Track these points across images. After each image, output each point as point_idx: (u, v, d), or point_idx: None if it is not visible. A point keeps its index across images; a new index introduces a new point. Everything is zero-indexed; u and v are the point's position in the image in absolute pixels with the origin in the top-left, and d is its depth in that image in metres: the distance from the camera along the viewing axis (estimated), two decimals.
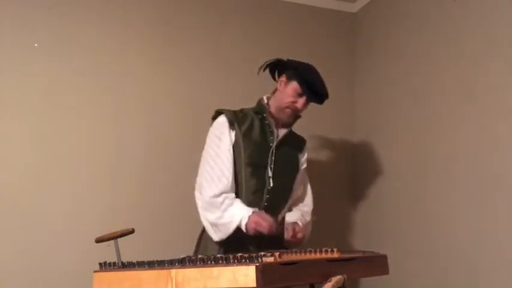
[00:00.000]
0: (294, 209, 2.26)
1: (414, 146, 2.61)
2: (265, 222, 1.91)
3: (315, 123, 3.03)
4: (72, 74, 2.60)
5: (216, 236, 2.02)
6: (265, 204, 2.08)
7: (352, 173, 3.11)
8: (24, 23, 2.54)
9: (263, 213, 1.97)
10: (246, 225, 1.94)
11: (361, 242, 2.98)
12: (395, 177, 2.76)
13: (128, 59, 2.71)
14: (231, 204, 2.00)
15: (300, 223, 2.15)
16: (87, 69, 2.63)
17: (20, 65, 2.52)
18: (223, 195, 2.01)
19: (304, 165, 2.29)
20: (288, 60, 2.17)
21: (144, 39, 2.76)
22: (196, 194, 2.09)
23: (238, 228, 1.97)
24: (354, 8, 3.23)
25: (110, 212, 2.53)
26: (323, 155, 3.06)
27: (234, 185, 2.06)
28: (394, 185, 2.77)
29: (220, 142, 2.09)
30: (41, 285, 2.40)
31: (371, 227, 2.94)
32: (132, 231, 1.82)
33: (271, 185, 2.09)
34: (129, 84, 2.70)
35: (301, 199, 2.30)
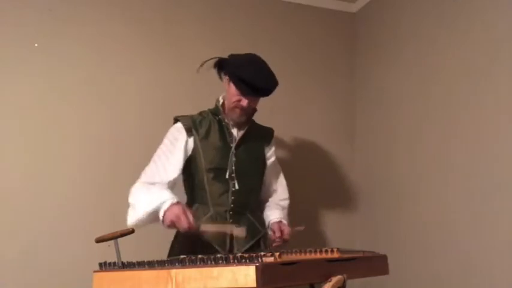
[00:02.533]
0: (272, 205, 2.22)
1: (414, 146, 2.61)
2: (185, 219, 1.78)
3: (314, 124, 3.04)
4: (72, 74, 2.60)
5: (131, 218, 1.89)
6: (232, 205, 2.05)
7: (352, 173, 3.12)
8: (24, 23, 2.54)
9: (187, 209, 1.83)
10: (165, 212, 1.82)
11: (361, 242, 2.98)
12: (395, 177, 2.76)
13: (128, 58, 2.72)
14: (157, 189, 1.92)
15: (284, 221, 2.12)
16: (87, 69, 2.63)
17: (20, 65, 2.52)
18: (157, 184, 1.95)
19: (273, 158, 2.24)
20: (230, 56, 2.10)
21: (145, 39, 2.76)
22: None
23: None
24: (354, 8, 3.23)
25: (110, 212, 2.53)
26: (323, 155, 3.06)
27: (179, 190, 2.03)
28: (393, 185, 2.77)
29: (172, 146, 2.07)
30: (41, 285, 2.40)
31: (371, 227, 2.94)
32: (132, 231, 1.82)
33: (236, 187, 2.06)
34: (129, 84, 2.70)
35: (276, 191, 2.26)
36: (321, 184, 3.03)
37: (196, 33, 2.86)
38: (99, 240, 1.82)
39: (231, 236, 2.02)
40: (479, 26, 2.23)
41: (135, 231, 1.85)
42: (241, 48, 2.93)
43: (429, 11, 2.57)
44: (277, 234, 2.04)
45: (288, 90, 2.93)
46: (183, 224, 1.79)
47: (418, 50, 2.64)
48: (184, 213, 1.80)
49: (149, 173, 2.02)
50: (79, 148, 2.57)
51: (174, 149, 2.06)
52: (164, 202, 1.85)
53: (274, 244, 2.06)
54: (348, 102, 3.17)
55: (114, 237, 1.77)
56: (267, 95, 2.07)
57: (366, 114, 3.08)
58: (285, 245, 2.06)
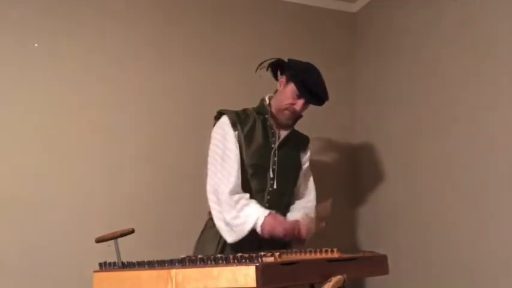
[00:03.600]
0: (298, 207, 2.24)
1: (414, 145, 2.61)
2: (279, 227, 1.90)
3: (314, 124, 3.02)
4: (73, 73, 2.60)
5: (230, 237, 1.98)
6: (267, 205, 2.07)
7: (352, 172, 3.11)
8: (24, 23, 2.54)
9: (278, 216, 1.96)
10: (261, 226, 1.91)
11: (361, 242, 2.98)
12: (395, 177, 2.76)
13: (128, 58, 2.71)
14: (247, 205, 1.98)
15: (303, 222, 2.12)
16: (88, 68, 2.63)
17: (20, 65, 2.52)
18: (238, 195, 1.99)
19: (307, 164, 2.29)
20: (289, 60, 2.16)
21: (145, 38, 2.75)
22: (210, 196, 2.05)
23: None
24: (354, 8, 3.23)
25: (110, 212, 2.53)
26: (322, 156, 3.06)
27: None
28: (393, 185, 2.77)
29: (226, 141, 2.08)
30: (41, 285, 2.40)
31: (371, 227, 2.94)
32: (132, 231, 1.82)
33: (274, 186, 2.10)
34: (129, 83, 2.70)
35: (304, 195, 2.30)
36: (321, 184, 3.02)
37: (196, 34, 2.85)
38: (99, 240, 1.82)
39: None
40: (479, 25, 2.23)
41: (135, 231, 1.85)
42: (242, 48, 2.95)
43: (429, 11, 2.57)
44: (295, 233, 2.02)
45: None
46: (279, 233, 1.90)
47: (417, 50, 2.64)
48: (277, 221, 1.92)
49: (225, 180, 2.02)
50: (79, 148, 2.56)
51: (228, 143, 2.07)
52: (258, 219, 1.93)
53: (294, 242, 2.07)
54: (347, 101, 3.16)
55: (114, 237, 1.77)
56: (320, 105, 2.14)
57: (366, 113, 3.08)
58: (302, 244, 2.06)
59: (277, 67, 2.18)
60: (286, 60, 2.17)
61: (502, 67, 2.09)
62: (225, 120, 2.12)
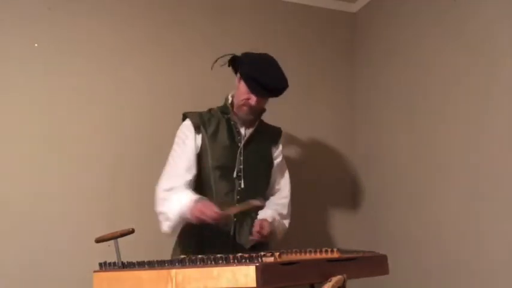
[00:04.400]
0: (270, 205, 2.21)
1: (414, 145, 2.61)
2: (208, 211, 1.86)
3: (313, 125, 3.04)
4: (72, 74, 2.60)
5: (166, 225, 1.98)
6: (237, 205, 2.05)
7: (352, 172, 3.12)
8: (24, 23, 2.54)
9: (208, 202, 1.91)
10: (191, 211, 1.90)
11: (361, 242, 2.98)
12: (395, 176, 2.76)
13: (129, 58, 2.71)
14: (178, 193, 1.98)
15: (269, 219, 2.10)
16: (88, 69, 2.63)
17: (20, 65, 2.52)
18: (177, 188, 2.00)
19: (279, 158, 2.25)
20: (243, 54, 2.12)
21: (145, 38, 2.76)
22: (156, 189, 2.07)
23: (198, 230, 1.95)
24: (354, 8, 3.23)
25: (110, 212, 2.53)
26: (323, 156, 3.06)
27: (191, 185, 2.05)
28: (393, 185, 2.77)
29: (184, 145, 2.09)
30: (41, 285, 2.40)
31: (371, 227, 2.94)
32: (132, 231, 1.82)
33: (242, 186, 2.07)
34: (130, 84, 2.70)
35: (279, 191, 2.27)
36: (321, 183, 3.03)
37: (195, 34, 2.85)
38: (99, 240, 1.82)
39: (234, 236, 2.03)
40: (479, 25, 2.23)
41: (135, 231, 1.85)
42: (241, 48, 2.94)
43: (429, 11, 2.57)
44: (256, 228, 2.01)
45: (288, 90, 2.93)
46: (209, 216, 1.86)
47: (417, 50, 2.64)
48: (207, 206, 1.88)
49: (167, 177, 2.05)
50: (79, 148, 2.57)
51: (186, 147, 2.08)
52: (187, 203, 1.92)
53: (250, 238, 2.04)
54: (348, 101, 3.16)
55: (114, 237, 1.77)
56: (277, 96, 2.10)
57: (366, 113, 3.08)
58: (266, 242, 2.06)
59: (234, 63, 2.15)
60: (241, 55, 2.13)
61: (502, 66, 2.09)
62: (187, 124, 2.12)
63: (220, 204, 1.94)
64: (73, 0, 2.65)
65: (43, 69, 2.55)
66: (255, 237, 2.03)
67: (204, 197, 1.98)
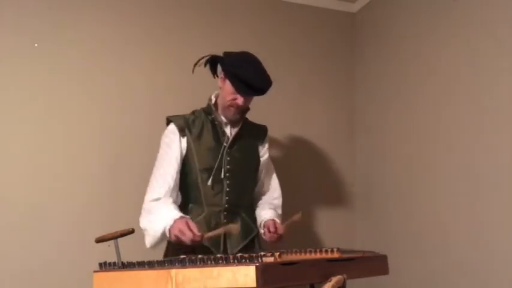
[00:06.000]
0: (265, 204, 2.22)
1: (414, 146, 2.61)
2: (189, 232, 1.81)
3: (313, 124, 3.04)
4: (73, 73, 2.60)
5: (147, 241, 1.97)
6: (226, 205, 2.06)
7: (352, 172, 3.11)
8: (24, 23, 2.54)
9: (190, 222, 1.86)
10: (170, 230, 1.87)
11: (361, 242, 2.98)
12: (395, 177, 2.76)
13: (129, 58, 2.71)
14: (161, 208, 1.96)
15: (278, 220, 2.11)
16: (88, 69, 2.63)
17: (20, 65, 2.52)
18: (161, 200, 1.98)
19: (266, 156, 2.24)
20: (224, 53, 2.09)
21: (146, 38, 2.75)
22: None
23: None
24: (354, 8, 3.23)
25: (110, 212, 2.53)
26: (322, 155, 3.06)
27: (176, 191, 2.04)
28: (393, 184, 2.77)
29: (168, 149, 2.07)
30: (41, 285, 2.40)
31: (371, 227, 2.94)
32: (132, 231, 1.82)
33: (229, 187, 2.06)
34: (130, 83, 2.70)
35: (268, 190, 2.26)
36: (321, 183, 3.03)
37: (196, 33, 2.85)
38: (99, 240, 1.83)
39: (225, 236, 2.03)
40: (479, 25, 2.23)
41: (135, 231, 1.85)
42: (241, 48, 2.94)
43: (429, 11, 2.57)
44: (272, 229, 2.01)
45: (288, 90, 2.94)
46: (187, 237, 1.81)
47: (417, 50, 2.64)
48: (187, 226, 1.83)
49: (153, 186, 2.04)
50: (79, 148, 2.57)
51: (172, 152, 2.06)
52: (168, 221, 1.88)
53: (269, 239, 2.03)
54: (347, 101, 3.16)
55: (114, 237, 1.77)
56: (262, 94, 2.07)
57: (365, 113, 3.08)
58: (281, 242, 2.05)
59: (215, 63, 2.12)
60: (222, 54, 2.10)
61: (502, 66, 2.09)
62: (171, 128, 2.09)
63: (204, 224, 1.95)
64: (73, 0, 2.65)
65: (43, 69, 2.55)
66: (272, 239, 2.03)
67: (186, 215, 1.95)
